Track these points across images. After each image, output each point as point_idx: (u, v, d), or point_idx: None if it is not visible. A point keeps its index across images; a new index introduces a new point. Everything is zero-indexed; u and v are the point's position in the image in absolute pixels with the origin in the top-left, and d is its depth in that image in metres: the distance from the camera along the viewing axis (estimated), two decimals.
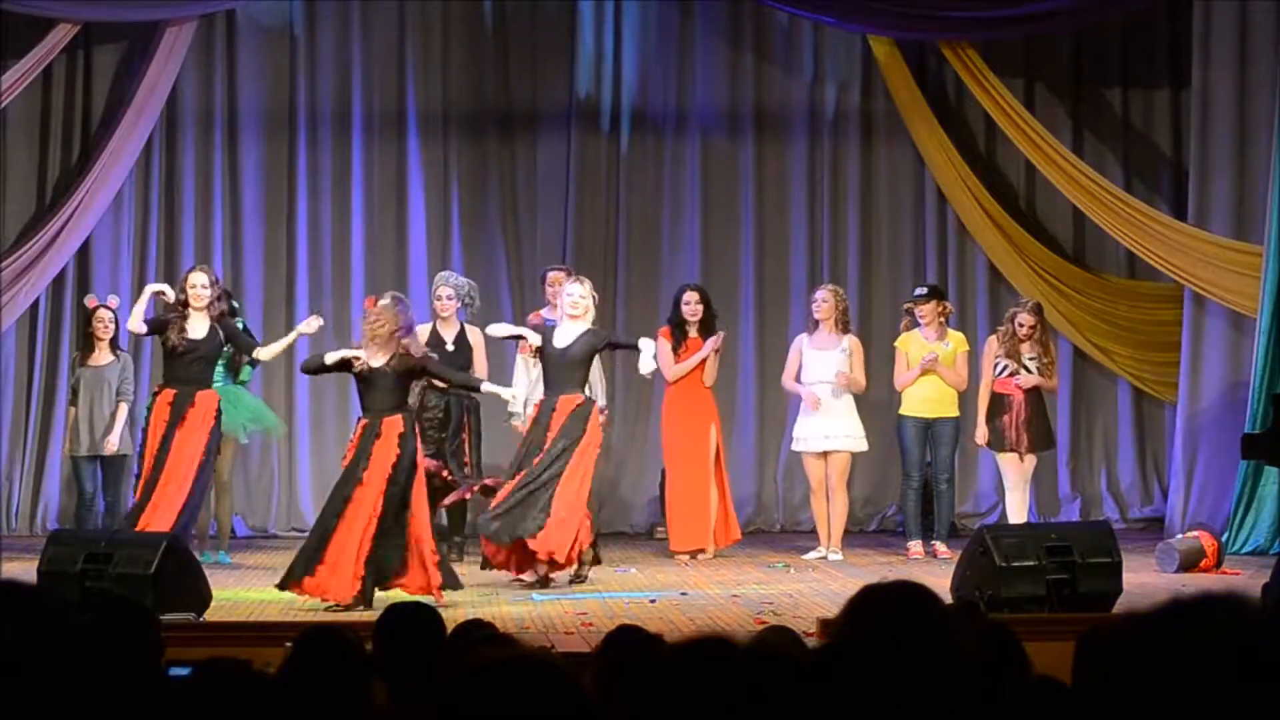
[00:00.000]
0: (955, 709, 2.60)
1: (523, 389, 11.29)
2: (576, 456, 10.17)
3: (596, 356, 10.71)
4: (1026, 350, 11.49)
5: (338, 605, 9.10)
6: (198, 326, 10.17)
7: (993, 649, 4.27)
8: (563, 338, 10.39)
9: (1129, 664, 1.65)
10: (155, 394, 10.42)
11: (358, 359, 9.50)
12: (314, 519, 13.37)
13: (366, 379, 9.57)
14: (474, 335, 11.47)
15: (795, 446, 11.93)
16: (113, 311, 11.69)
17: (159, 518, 9.90)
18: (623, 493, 13.55)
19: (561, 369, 10.35)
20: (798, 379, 11.81)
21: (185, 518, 10.10)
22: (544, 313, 11.61)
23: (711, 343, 11.66)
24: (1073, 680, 4.00)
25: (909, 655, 2.55)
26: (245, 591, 10.01)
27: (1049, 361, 11.57)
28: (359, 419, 9.74)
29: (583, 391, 10.44)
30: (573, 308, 10.41)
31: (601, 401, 11.13)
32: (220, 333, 10.44)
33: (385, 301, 9.73)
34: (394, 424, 9.45)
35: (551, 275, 11.75)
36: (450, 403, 11.27)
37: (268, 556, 11.57)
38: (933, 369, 11.66)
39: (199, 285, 10.18)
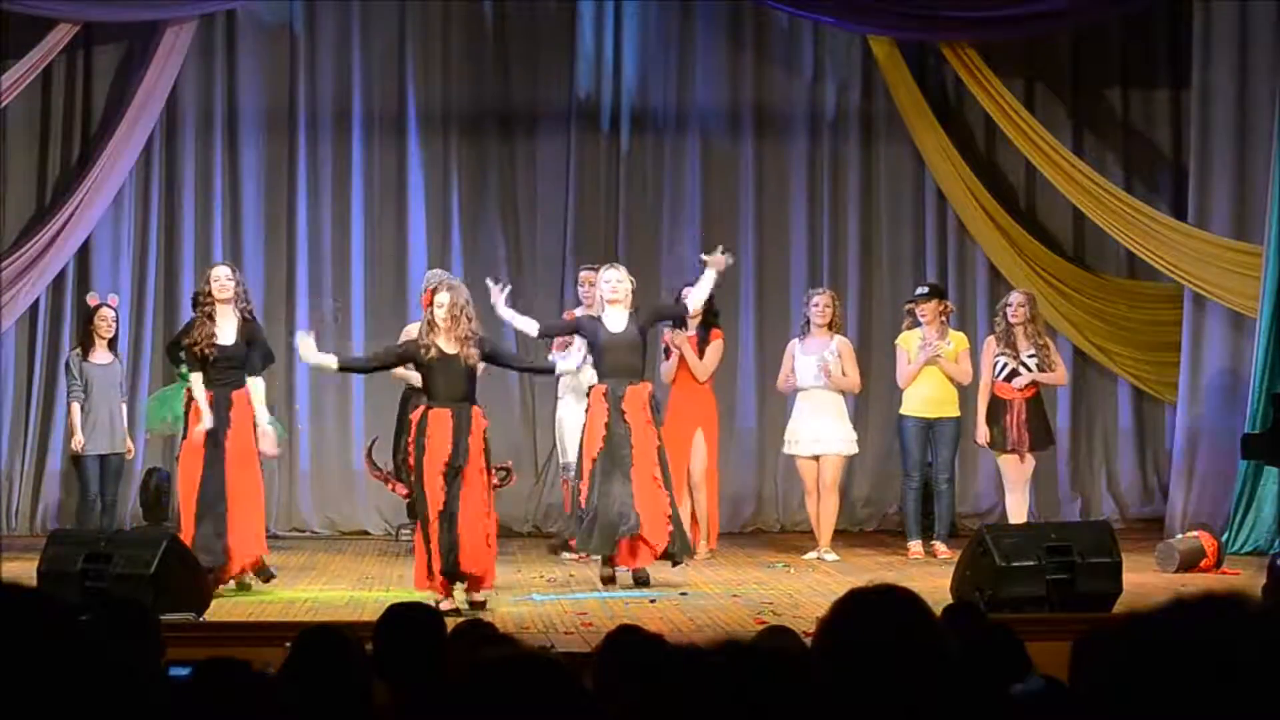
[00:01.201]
0: (941, 710, 2.60)
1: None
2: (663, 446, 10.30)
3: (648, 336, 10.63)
4: (1025, 347, 11.47)
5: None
6: (225, 329, 10.00)
7: (993, 649, 4.27)
8: (615, 323, 10.33)
9: (1130, 666, 1.65)
10: (189, 404, 10.08)
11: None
12: (314, 519, 13.46)
13: (435, 367, 9.52)
14: None
15: (787, 449, 11.92)
16: (114, 310, 11.68)
17: (247, 531, 9.79)
18: None
19: (621, 353, 10.26)
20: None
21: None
22: (578, 312, 11.60)
23: (676, 339, 11.63)
24: (1070, 683, 4.00)
25: (893, 657, 2.55)
26: (245, 591, 10.00)
27: (1047, 354, 11.54)
28: (427, 407, 9.56)
29: (644, 376, 10.40)
30: (612, 292, 10.33)
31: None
32: (248, 336, 10.12)
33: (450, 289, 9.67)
34: (479, 415, 9.50)
35: (584, 275, 11.71)
36: None
37: (267, 557, 11.54)
38: (935, 359, 11.62)
39: (223, 278, 10.06)
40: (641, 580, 10.19)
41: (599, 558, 10.30)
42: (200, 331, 9.97)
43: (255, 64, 13.48)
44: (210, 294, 9.98)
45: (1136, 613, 1.70)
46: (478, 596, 9.34)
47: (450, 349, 9.50)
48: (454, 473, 9.32)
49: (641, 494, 10.07)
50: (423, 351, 9.52)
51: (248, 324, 10.07)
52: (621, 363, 10.25)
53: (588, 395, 10.51)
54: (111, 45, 13.16)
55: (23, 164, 13.10)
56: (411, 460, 9.51)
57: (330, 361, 9.82)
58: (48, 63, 12.57)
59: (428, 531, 9.30)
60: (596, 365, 10.39)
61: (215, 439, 9.84)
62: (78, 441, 11.62)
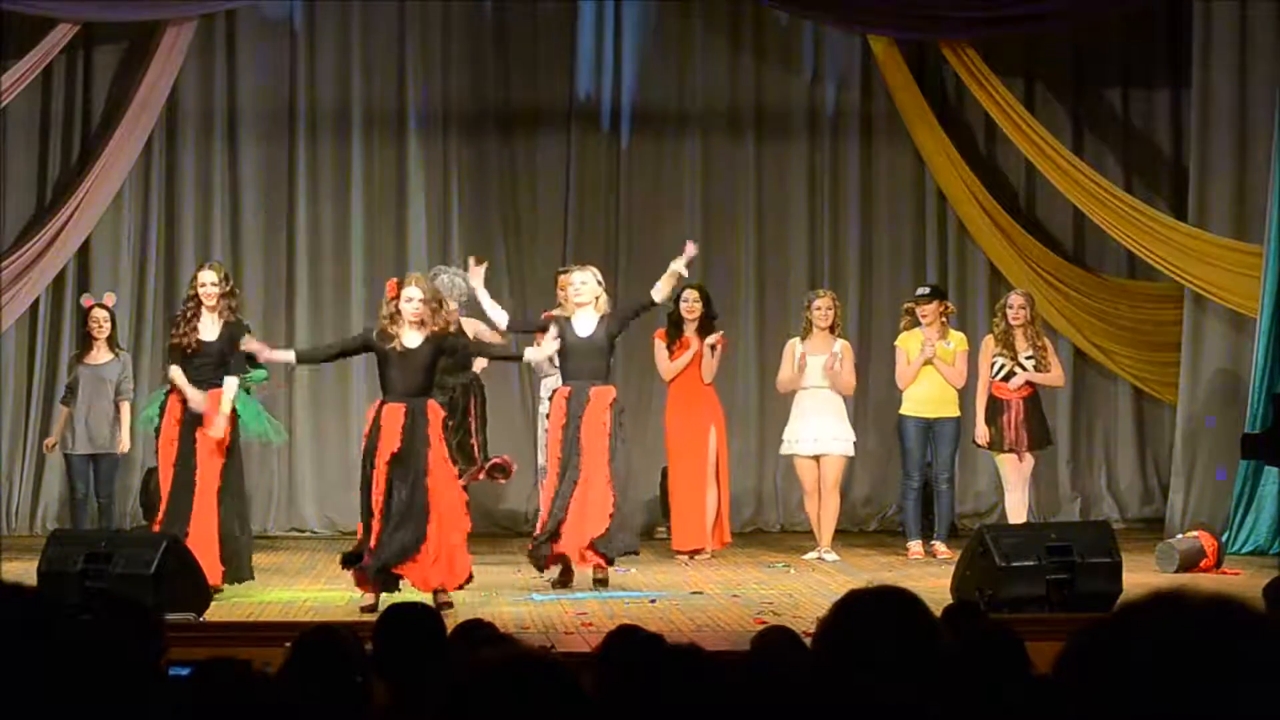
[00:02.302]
0: (940, 709, 2.61)
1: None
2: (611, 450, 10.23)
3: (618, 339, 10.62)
4: (1023, 348, 11.47)
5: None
6: (209, 327, 10.03)
7: (992, 649, 4.27)
8: (583, 327, 10.36)
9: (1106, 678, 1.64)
10: (166, 395, 10.15)
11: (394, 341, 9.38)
12: (314, 519, 13.46)
13: (393, 360, 9.36)
14: (471, 327, 11.44)
15: (785, 449, 11.91)
16: (108, 310, 11.67)
17: (200, 539, 9.58)
18: None
19: (586, 356, 10.29)
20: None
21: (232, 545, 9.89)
22: (556, 312, 11.61)
23: (702, 340, 11.65)
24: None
25: (893, 657, 2.55)
26: (246, 592, 9.99)
27: (1044, 355, 11.54)
28: (382, 402, 9.42)
29: (609, 380, 10.41)
30: (576, 294, 10.40)
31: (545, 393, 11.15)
32: (230, 336, 10.08)
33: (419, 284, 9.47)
34: (435, 409, 9.40)
35: (563, 278, 11.75)
36: (455, 389, 11.18)
37: (267, 557, 11.55)
38: (932, 359, 11.62)
39: (209, 283, 10.04)
40: (600, 581, 10.16)
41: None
42: (183, 327, 9.98)
43: (255, 64, 13.48)
44: (195, 296, 10.00)
45: (1094, 629, 1.68)
46: (445, 597, 9.11)
47: (413, 343, 9.35)
48: (406, 470, 9.19)
49: (583, 492, 10.08)
50: (383, 342, 9.37)
51: (230, 326, 10.05)
52: (585, 365, 10.32)
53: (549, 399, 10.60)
54: (111, 45, 13.15)
55: (23, 164, 13.10)
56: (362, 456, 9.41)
57: (288, 355, 10.01)
58: (48, 63, 12.57)
59: (369, 528, 9.24)
60: (562, 366, 10.43)
61: (189, 433, 9.84)
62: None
